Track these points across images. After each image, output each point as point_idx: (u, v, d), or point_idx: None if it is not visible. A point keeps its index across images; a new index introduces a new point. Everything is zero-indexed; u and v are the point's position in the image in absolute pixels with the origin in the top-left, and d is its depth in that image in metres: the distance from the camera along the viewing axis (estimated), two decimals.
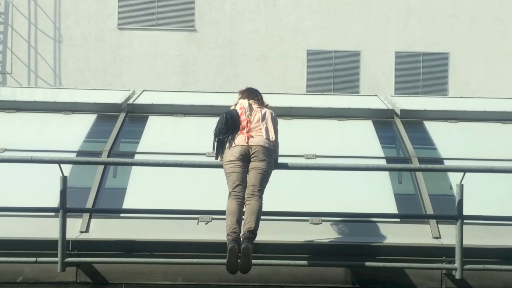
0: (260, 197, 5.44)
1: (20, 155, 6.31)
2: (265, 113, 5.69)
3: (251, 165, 5.47)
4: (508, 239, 6.14)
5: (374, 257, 5.98)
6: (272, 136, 5.58)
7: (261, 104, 5.85)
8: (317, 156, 6.98)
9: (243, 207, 5.41)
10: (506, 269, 5.93)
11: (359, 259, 5.95)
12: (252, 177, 5.45)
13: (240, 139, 5.48)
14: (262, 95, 6.01)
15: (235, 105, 5.83)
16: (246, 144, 5.47)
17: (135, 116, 7.87)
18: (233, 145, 5.47)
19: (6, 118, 7.70)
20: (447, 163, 6.96)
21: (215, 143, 5.63)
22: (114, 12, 16.70)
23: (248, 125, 5.57)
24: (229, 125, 5.53)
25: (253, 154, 5.45)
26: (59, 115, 7.78)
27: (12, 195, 6.44)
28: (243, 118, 5.60)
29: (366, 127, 7.73)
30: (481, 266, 5.84)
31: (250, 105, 5.72)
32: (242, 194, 5.42)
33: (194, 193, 6.50)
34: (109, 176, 6.86)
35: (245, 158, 5.47)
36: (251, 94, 5.90)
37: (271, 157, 5.56)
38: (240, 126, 5.56)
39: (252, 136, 5.50)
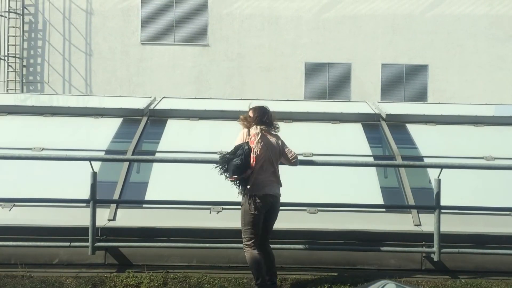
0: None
1: (56, 154, 6.30)
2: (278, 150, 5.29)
3: None
4: (480, 226, 6.12)
5: (363, 242, 5.99)
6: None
7: (271, 126, 5.30)
8: (313, 154, 6.95)
9: None
10: (478, 252, 5.92)
11: (350, 244, 5.98)
12: None
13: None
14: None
15: (247, 131, 5.23)
16: None
17: (155, 119, 7.85)
18: None
19: (44, 122, 7.70)
20: (426, 160, 6.94)
21: (227, 171, 5.11)
22: (138, 29, 16.71)
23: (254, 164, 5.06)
24: (241, 170, 5.01)
25: None
26: (90, 118, 7.77)
27: (49, 188, 6.44)
28: (252, 155, 5.04)
29: (356, 129, 7.70)
30: (456, 250, 5.85)
31: (261, 136, 5.13)
32: None
33: (206, 186, 6.47)
34: (133, 172, 6.87)
35: None
36: (262, 117, 5.23)
37: None
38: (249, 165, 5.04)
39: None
